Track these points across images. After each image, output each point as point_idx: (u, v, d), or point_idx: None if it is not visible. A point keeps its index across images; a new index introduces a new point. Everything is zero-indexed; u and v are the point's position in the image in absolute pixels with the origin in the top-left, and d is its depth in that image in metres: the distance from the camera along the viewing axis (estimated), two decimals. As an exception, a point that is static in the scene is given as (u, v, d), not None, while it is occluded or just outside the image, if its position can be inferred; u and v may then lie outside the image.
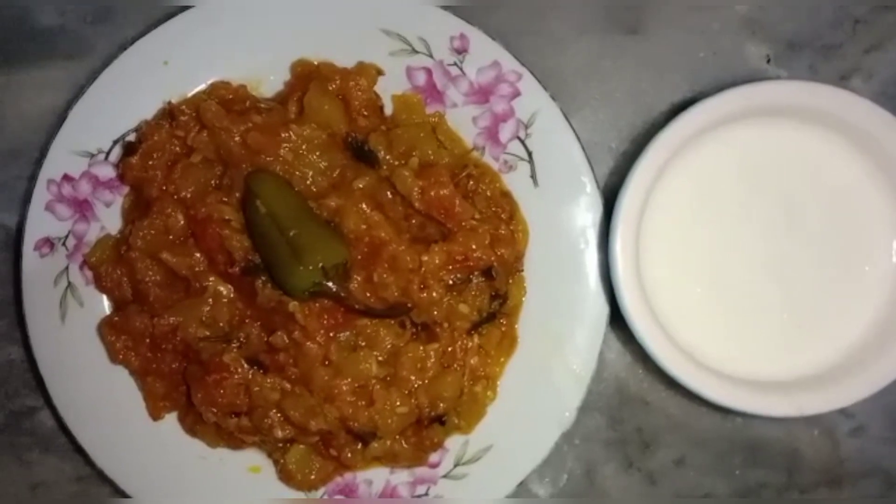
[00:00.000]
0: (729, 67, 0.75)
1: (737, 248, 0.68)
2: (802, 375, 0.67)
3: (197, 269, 0.71)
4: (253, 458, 0.74)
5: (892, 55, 0.75)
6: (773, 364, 0.68)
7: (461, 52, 0.72)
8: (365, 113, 0.72)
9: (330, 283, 0.66)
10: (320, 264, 0.66)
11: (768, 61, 0.75)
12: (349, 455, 0.70)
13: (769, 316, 0.68)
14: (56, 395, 0.73)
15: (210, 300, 0.70)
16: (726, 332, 0.68)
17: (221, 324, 0.70)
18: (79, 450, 0.74)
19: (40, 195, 0.72)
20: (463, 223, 0.70)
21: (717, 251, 0.69)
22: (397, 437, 0.71)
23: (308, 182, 0.70)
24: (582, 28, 0.76)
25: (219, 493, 0.74)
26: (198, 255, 0.71)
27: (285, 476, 0.72)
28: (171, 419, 0.74)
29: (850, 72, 0.75)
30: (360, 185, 0.69)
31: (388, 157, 0.71)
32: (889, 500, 0.75)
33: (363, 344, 0.69)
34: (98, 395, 0.73)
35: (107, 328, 0.72)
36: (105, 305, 0.74)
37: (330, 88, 0.71)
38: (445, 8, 0.71)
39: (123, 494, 0.73)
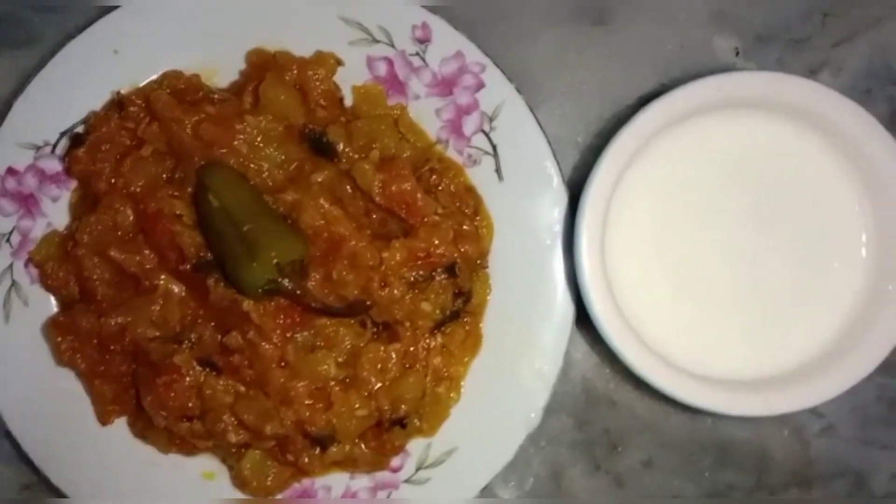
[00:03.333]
0: (698, 60, 0.74)
1: (705, 244, 0.67)
2: (772, 374, 0.66)
3: (147, 266, 0.68)
4: (207, 464, 0.71)
5: (861, 49, 0.74)
6: (743, 363, 0.66)
7: (423, 41, 0.69)
8: (323, 104, 0.69)
9: (285, 281, 0.64)
10: (275, 260, 0.63)
11: (737, 54, 0.74)
12: (307, 460, 0.67)
13: (738, 313, 0.67)
14: (-1, 399, 0.70)
15: (160, 299, 0.67)
16: (695, 330, 0.67)
17: (172, 324, 0.67)
18: (24, 457, 0.71)
19: (-17, 190, 0.69)
20: (425, 219, 0.68)
21: (686, 247, 0.67)
22: (357, 440, 0.68)
23: (264, 175, 0.67)
24: (548, 19, 0.74)
25: (171, 501, 0.71)
26: (147, 251, 0.68)
27: (240, 482, 0.69)
28: (120, 424, 0.71)
29: (819, 65, 0.74)
30: (319, 179, 0.67)
31: (347, 149, 0.69)
32: (858, 500, 0.74)
33: (321, 344, 0.67)
34: (44, 399, 0.70)
35: (52, 328, 0.69)
36: (51, 305, 0.71)
37: (287, 78, 0.69)
38: (407, -4, 0.69)
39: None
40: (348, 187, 0.68)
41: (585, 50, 0.75)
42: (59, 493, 0.70)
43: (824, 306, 0.67)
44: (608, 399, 0.75)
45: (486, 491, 0.73)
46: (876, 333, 0.65)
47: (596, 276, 0.63)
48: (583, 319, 0.71)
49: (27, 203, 0.70)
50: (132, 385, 0.69)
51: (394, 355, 0.68)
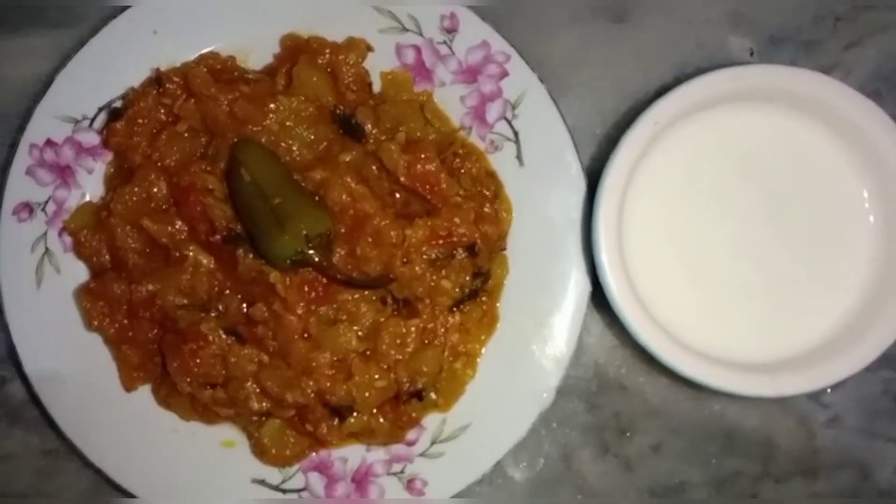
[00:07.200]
0: (713, 59, 0.77)
1: (718, 231, 0.69)
2: (780, 359, 0.67)
3: (178, 237, 0.70)
4: (226, 433, 0.73)
5: (871, 52, 0.77)
6: (753, 346, 0.68)
7: (451, 31, 0.72)
8: (353, 88, 0.72)
9: (312, 252, 0.66)
10: (304, 232, 0.65)
11: (751, 54, 0.77)
12: (325, 430, 0.69)
13: (749, 299, 0.69)
14: (27, 363, 0.71)
15: (189, 269, 0.69)
16: (707, 313, 0.68)
17: (200, 293, 0.69)
18: (48, 423, 0.72)
19: (22, 159, 0.72)
20: (448, 199, 0.70)
21: (699, 233, 0.69)
22: (374, 412, 0.70)
23: (294, 154, 0.70)
24: (569, 15, 0.77)
25: (191, 467, 0.72)
26: (179, 223, 0.70)
27: (259, 451, 0.71)
28: (143, 392, 0.73)
29: (830, 68, 0.77)
30: (346, 159, 0.69)
31: (375, 131, 0.71)
32: (863, 491, 0.76)
33: (343, 318, 0.69)
34: (70, 365, 0.72)
35: (83, 294, 0.71)
36: (82, 274, 0.73)
37: (319, 61, 0.71)
38: (436, -13, 0.72)
39: (91, 467, 0.72)
40: (374, 168, 0.70)
41: (604, 46, 0.77)
42: (80, 458, 0.72)
43: (832, 295, 0.69)
44: (619, 384, 0.76)
45: (498, 471, 0.74)
46: (882, 322, 0.66)
47: (612, 257, 0.65)
48: (596, 304, 0.73)
49: (63, 174, 0.73)
50: (157, 353, 0.71)
51: (413, 331, 0.69)
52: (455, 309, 0.71)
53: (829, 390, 0.76)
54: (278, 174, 0.68)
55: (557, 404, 0.72)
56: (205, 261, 0.70)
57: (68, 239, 0.73)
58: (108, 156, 0.73)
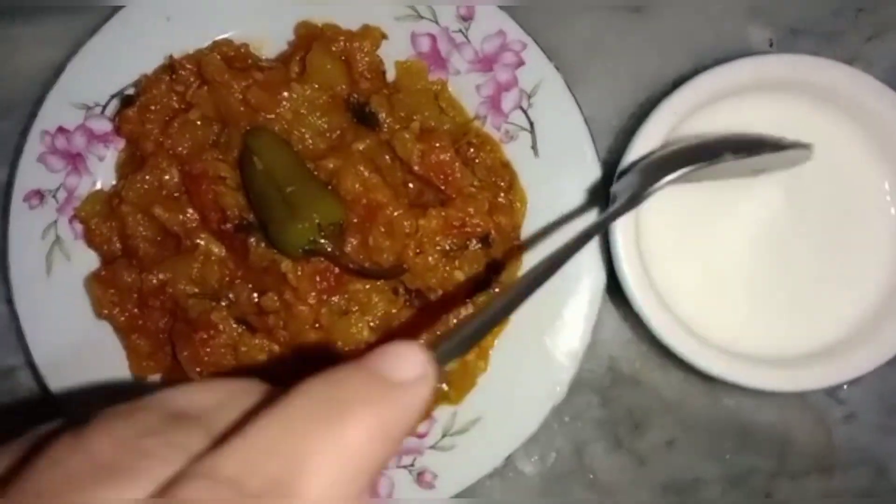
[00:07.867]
0: (732, 50, 0.75)
1: (736, 224, 0.68)
2: (799, 353, 0.66)
3: (189, 225, 0.69)
4: (236, 424, 0.72)
5: (893, 45, 0.76)
6: (770, 340, 0.67)
7: (467, 19, 0.71)
8: (367, 76, 0.71)
9: (325, 241, 0.65)
10: (316, 221, 0.64)
11: (771, 45, 0.76)
12: (336, 421, 0.68)
13: (767, 292, 0.68)
14: (36, 352, 0.71)
15: (201, 258, 0.69)
16: (723, 307, 0.67)
17: (211, 282, 0.69)
18: (56, 411, 0.72)
19: (33, 146, 0.71)
20: (462, 189, 0.69)
21: (717, 226, 0.68)
22: (386, 404, 0.69)
23: (307, 142, 0.69)
24: (587, 4, 0.76)
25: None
26: (190, 211, 0.69)
27: (269, 441, 0.71)
28: (153, 381, 0.72)
29: (851, 60, 0.75)
30: (360, 148, 0.68)
31: (389, 120, 0.70)
32: (879, 489, 0.75)
33: (355, 309, 0.68)
34: (79, 353, 0.71)
35: (94, 281, 0.70)
36: (92, 261, 0.73)
37: (333, 49, 0.70)
38: (453, -24, 0.71)
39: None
40: (388, 157, 0.70)
41: (621, 36, 0.76)
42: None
43: (851, 289, 0.67)
44: (633, 379, 0.75)
45: (509, 465, 0.74)
46: (902, 317, 0.65)
47: (629, 250, 0.64)
48: (611, 297, 0.73)
49: (75, 161, 0.72)
50: (167, 342, 0.71)
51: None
52: (468, 300, 0.70)
53: (845, 387, 0.75)
54: (291, 163, 0.67)
55: (570, 398, 0.71)
56: (216, 249, 0.69)
57: (79, 226, 0.72)
58: (120, 143, 0.73)
